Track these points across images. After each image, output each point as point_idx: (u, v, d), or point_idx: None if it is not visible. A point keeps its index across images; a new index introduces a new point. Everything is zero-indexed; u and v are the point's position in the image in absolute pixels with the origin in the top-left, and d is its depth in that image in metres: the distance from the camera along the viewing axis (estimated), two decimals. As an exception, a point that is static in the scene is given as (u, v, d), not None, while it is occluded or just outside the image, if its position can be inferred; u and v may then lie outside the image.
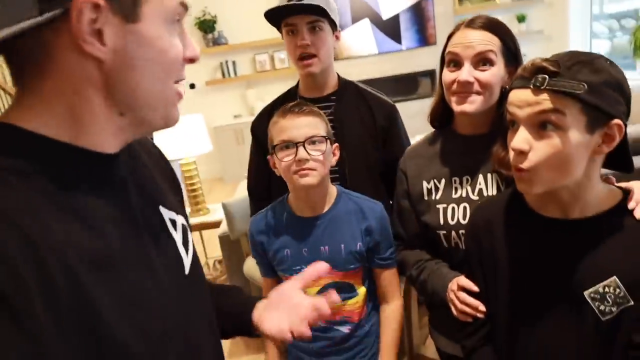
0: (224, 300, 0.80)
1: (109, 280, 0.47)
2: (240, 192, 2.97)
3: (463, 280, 0.96)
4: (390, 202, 1.30)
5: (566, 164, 0.74)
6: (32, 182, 0.44)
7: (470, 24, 1.03)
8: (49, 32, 0.45)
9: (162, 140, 2.52)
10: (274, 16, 1.30)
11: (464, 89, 1.01)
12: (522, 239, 0.86)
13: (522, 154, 0.76)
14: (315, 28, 1.28)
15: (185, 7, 0.53)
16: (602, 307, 0.77)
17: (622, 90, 0.75)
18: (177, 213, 0.64)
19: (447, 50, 1.05)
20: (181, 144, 2.66)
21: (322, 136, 1.09)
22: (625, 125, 0.75)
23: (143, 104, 0.52)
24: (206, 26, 5.15)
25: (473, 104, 1.01)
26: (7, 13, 0.44)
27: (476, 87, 1.00)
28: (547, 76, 0.72)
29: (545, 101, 0.72)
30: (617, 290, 0.76)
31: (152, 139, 0.66)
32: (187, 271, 0.61)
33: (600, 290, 0.77)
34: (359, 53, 5.03)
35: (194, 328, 0.60)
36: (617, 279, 0.76)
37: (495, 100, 1.04)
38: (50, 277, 0.41)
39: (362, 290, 1.17)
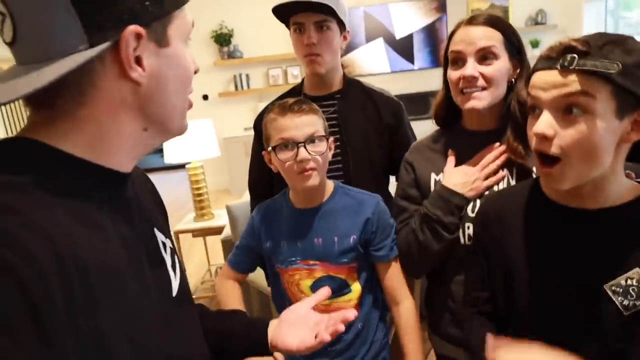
0: (231, 323, 0.82)
1: (116, 292, 0.48)
2: (246, 198, 2.98)
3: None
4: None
5: (594, 152, 0.68)
6: (56, 196, 0.46)
7: (471, 21, 1.04)
8: (97, 62, 0.48)
9: (171, 143, 2.53)
10: (282, 13, 1.30)
11: (470, 85, 1.01)
12: (538, 229, 0.81)
13: (545, 139, 0.70)
14: (322, 27, 1.27)
15: (192, 25, 0.58)
16: (625, 302, 0.71)
17: None
18: (166, 236, 0.66)
19: (449, 50, 1.06)
20: (189, 148, 2.67)
21: (321, 135, 1.08)
22: None
23: (167, 118, 0.56)
24: (222, 39, 5.23)
25: (481, 100, 1.01)
26: (55, 46, 0.46)
27: (481, 82, 1.01)
28: (576, 56, 0.66)
29: (573, 83, 0.66)
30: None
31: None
32: (174, 293, 0.62)
33: (623, 283, 0.71)
34: (372, 71, 5.08)
35: (178, 349, 0.61)
36: (639, 271, 0.71)
37: (502, 94, 1.04)
38: (72, 291, 0.42)
39: (355, 287, 1.14)
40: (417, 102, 5.37)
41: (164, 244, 0.64)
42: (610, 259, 0.73)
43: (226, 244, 2.38)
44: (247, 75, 5.38)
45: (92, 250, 0.46)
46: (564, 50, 0.68)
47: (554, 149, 0.70)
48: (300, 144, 1.04)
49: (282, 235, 1.15)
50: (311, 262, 1.12)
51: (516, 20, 5.24)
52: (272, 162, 1.12)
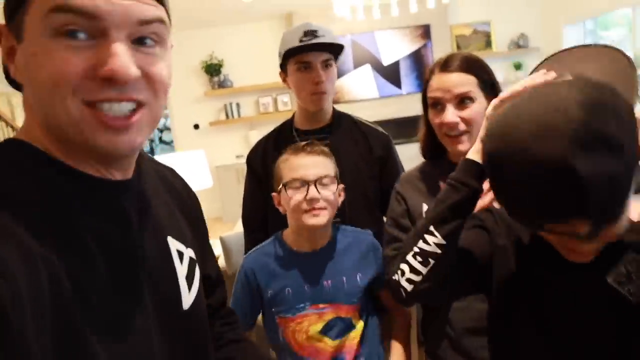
0: (242, 356, 0.78)
1: (92, 305, 0.46)
2: (239, 229, 2.97)
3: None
4: None
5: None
6: (37, 205, 0.44)
7: (445, 67, 1.07)
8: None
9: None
10: (291, 53, 1.33)
11: (452, 130, 1.05)
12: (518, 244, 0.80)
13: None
14: (327, 65, 1.32)
15: (71, 11, 0.44)
16: (632, 289, 0.68)
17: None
18: (187, 246, 0.63)
19: (427, 95, 1.10)
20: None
21: (332, 177, 1.10)
22: None
23: (56, 126, 0.47)
24: (212, 69, 5.31)
25: (464, 143, 1.05)
26: None
27: (462, 126, 1.04)
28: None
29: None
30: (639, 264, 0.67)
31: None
32: (185, 307, 0.59)
33: (623, 271, 0.69)
34: (361, 97, 5.16)
35: None
36: (634, 254, 0.68)
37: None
38: (41, 293, 0.40)
39: (359, 325, 1.14)
40: (406, 126, 5.43)
41: (180, 253, 0.61)
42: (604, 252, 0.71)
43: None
44: (238, 104, 5.44)
45: (65, 259, 0.44)
46: None
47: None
48: (311, 183, 1.06)
49: (285, 282, 1.12)
50: (321, 305, 1.11)
51: (499, 44, 5.39)
52: (280, 203, 1.12)
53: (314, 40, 1.27)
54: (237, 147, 5.57)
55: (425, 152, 1.20)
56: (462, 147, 1.05)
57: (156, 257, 0.57)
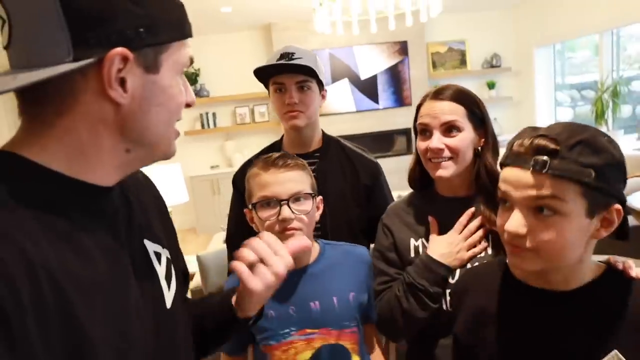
0: (199, 303, 0.80)
1: (96, 304, 0.48)
2: (215, 244, 2.89)
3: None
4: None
5: (565, 248, 0.69)
6: (30, 209, 0.46)
7: (437, 95, 1.09)
8: (79, 76, 0.49)
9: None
10: (262, 74, 1.33)
11: (437, 155, 1.06)
12: (512, 310, 0.80)
13: (518, 236, 0.70)
14: (303, 87, 1.31)
15: (192, 61, 0.60)
16: None
17: (623, 170, 0.70)
18: (163, 247, 0.65)
19: (417, 122, 1.11)
20: (156, 192, 2.62)
21: (307, 193, 1.01)
22: (625, 202, 0.71)
23: (149, 142, 0.56)
24: (189, 79, 5.23)
25: (447, 169, 1.06)
26: (41, 54, 0.48)
27: (447, 152, 1.06)
28: (547, 158, 0.66)
29: (544, 186, 0.66)
30: None
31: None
32: (169, 305, 0.62)
33: None
34: (338, 110, 5.19)
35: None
36: (618, 353, 0.69)
37: (468, 163, 1.08)
38: (43, 301, 0.43)
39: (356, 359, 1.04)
40: (382, 140, 5.49)
41: (157, 254, 0.63)
42: (594, 338, 0.72)
43: (195, 294, 2.27)
44: (214, 114, 5.39)
45: (65, 263, 0.46)
46: (535, 150, 0.68)
47: (528, 244, 0.70)
48: (283, 202, 0.97)
49: (267, 305, 0.97)
50: (308, 331, 1.00)
51: (473, 63, 5.53)
52: (253, 220, 1.04)
53: (288, 62, 1.28)
54: (212, 157, 5.50)
55: (413, 182, 1.20)
56: (444, 172, 1.06)
57: (138, 258, 0.59)
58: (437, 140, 1.05)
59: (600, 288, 0.74)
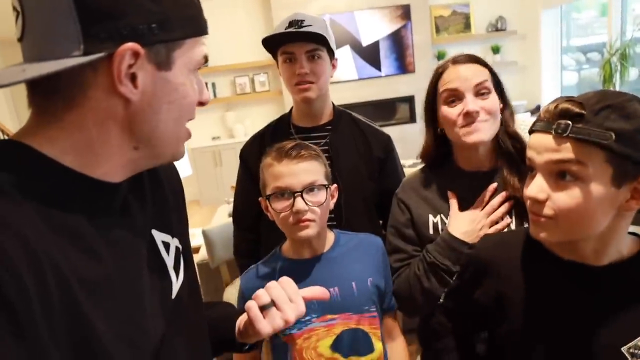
0: (209, 314, 0.80)
1: (103, 301, 0.48)
2: (220, 218, 2.90)
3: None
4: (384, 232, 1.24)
5: (586, 218, 0.67)
6: (37, 203, 0.46)
7: (457, 61, 1.05)
8: (90, 69, 0.48)
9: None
10: (271, 43, 1.27)
11: (473, 119, 1.01)
12: (540, 284, 0.78)
13: (538, 202, 0.69)
14: (314, 56, 1.26)
15: (206, 59, 0.57)
16: None
17: None
18: (173, 236, 0.65)
19: (442, 89, 1.05)
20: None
21: (321, 184, 1.00)
22: None
23: (158, 141, 0.55)
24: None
25: (484, 131, 1.01)
26: (52, 47, 0.48)
27: (482, 115, 1.01)
28: (570, 122, 0.65)
29: (566, 149, 0.65)
30: None
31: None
32: (174, 295, 0.62)
33: (639, 344, 0.69)
34: (340, 78, 5.10)
35: (176, 352, 0.61)
36: None
37: (498, 128, 1.05)
38: (47, 290, 0.42)
39: (379, 347, 1.04)
40: (385, 108, 5.42)
41: (166, 244, 0.63)
42: (623, 320, 0.70)
43: (202, 268, 2.29)
44: (214, 84, 5.30)
45: (69, 258, 0.46)
46: (559, 114, 0.67)
47: (547, 211, 0.69)
48: (297, 194, 0.96)
49: None
50: (329, 317, 1.00)
51: (477, 27, 5.38)
52: (268, 210, 1.04)
53: (298, 30, 1.22)
54: (213, 128, 5.45)
55: (429, 161, 1.16)
56: (482, 135, 1.01)
57: (147, 248, 0.59)
58: (473, 102, 1.01)
59: (635, 264, 0.72)
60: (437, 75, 1.08)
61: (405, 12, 5.10)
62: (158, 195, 0.65)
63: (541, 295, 0.78)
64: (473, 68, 1.03)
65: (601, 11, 4.63)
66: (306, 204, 0.97)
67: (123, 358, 0.49)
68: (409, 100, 5.31)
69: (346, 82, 5.14)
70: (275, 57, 1.32)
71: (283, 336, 1.02)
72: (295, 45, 1.25)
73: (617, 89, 4.22)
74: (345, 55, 5.08)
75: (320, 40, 1.23)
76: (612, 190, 0.66)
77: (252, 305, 0.69)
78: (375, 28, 5.10)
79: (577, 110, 0.65)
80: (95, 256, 0.49)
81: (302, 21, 1.24)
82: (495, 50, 5.37)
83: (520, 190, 1.00)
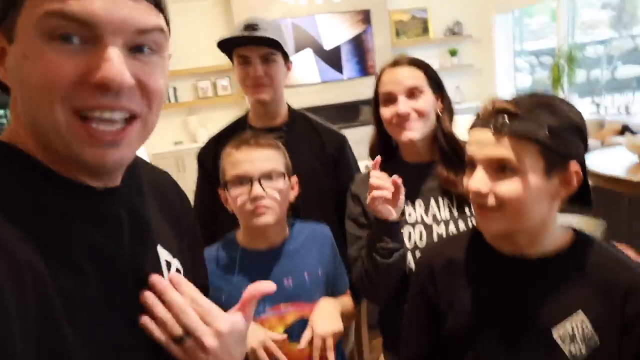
0: None
1: (80, 321, 0.44)
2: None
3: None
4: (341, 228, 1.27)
5: (525, 208, 0.73)
6: (20, 209, 0.42)
7: (396, 63, 1.12)
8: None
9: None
10: (226, 45, 1.30)
11: (404, 120, 1.08)
12: (483, 276, 0.84)
13: (480, 194, 0.74)
14: (268, 60, 1.28)
15: (67, 18, 0.43)
16: (572, 349, 0.73)
17: (581, 133, 0.74)
18: (174, 256, 0.61)
19: (380, 91, 1.13)
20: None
21: (280, 172, 1.02)
22: (584, 164, 0.76)
23: (43, 133, 0.45)
24: (146, 51, 5.02)
25: (415, 130, 1.09)
26: None
27: (414, 115, 1.08)
28: (507, 119, 0.71)
29: (504, 144, 0.71)
30: (584, 327, 0.73)
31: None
32: None
33: (569, 328, 0.74)
34: (302, 81, 5.11)
35: None
36: (582, 313, 0.73)
37: (433, 126, 1.12)
38: (24, 296, 0.39)
39: None
40: (348, 111, 5.48)
41: (168, 263, 0.58)
42: (554, 307, 0.75)
43: None
44: (175, 89, 5.21)
45: (52, 273, 0.42)
46: (496, 112, 0.73)
47: (490, 201, 0.74)
48: (254, 180, 0.97)
49: (240, 282, 1.01)
50: (282, 306, 1.03)
51: (435, 31, 5.54)
52: (227, 202, 1.04)
53: (252, 34, 1.24)
54: (175, 133, 5.34)
55: (374, 152, 1.21)
56: (413, 134, 1.09)
57: (148, 266, 0.54)
58: (404, 104, 1.08)
59: (567, 255, 0.78)
60: (378, 78, 1.15)
61: (366, 17, 5.19)
62: (162, 213, 0.61)
63: (482, 288, 0.83)
64: (408, 71, 1.10)
65: (552, 17, 4.87)
66: (264, 190, 0.97)
67: None
68: (371, 102, 5.38)
69: (309, 85, 5.16)
70: (231, 58, 1.35)
71: None
72: (249, 48, 1.27)
73: (565, 90, 4.46)
74: (307, 59, 5.11)
75: (273, 44, 1.26)
76: (544, 181, 0.73)
77: (163, 340, 0.53)
78: (336, 32, 5.15)
79: (511, 109, 0.72)
80: (79, 274, 0.45)
81: (256, 25, 1.26)
82: (453, 53, 5.54)
83: (455, 184, 1.07)
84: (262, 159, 1.00)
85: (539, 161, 0.72)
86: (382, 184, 1.00)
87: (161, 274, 0.57)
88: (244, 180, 0.99)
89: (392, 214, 1.02)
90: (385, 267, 1.04)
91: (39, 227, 0.43)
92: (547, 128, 0.70)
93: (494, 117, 0.73)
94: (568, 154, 0.73)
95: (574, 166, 0.74)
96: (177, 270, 0.61)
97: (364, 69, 5.29)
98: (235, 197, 0.99)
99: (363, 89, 5.29)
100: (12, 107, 0.47)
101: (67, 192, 0.47)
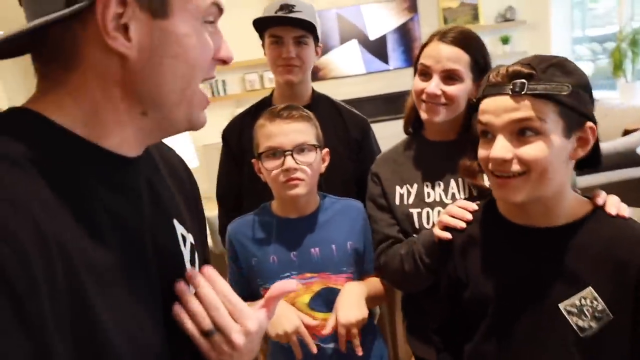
0: None
1: (108, 291, 0.44)
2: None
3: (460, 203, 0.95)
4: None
5: (549, 170, 0.71)
6: (47, 175, 0.42)
7: (443, 37, 1.06)
8: (78, 24, 0.44)
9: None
10: (259, 24, 1.32)
11: (431, 100, 1.05)
12: (497, 248, 0.84)
13: (504, 162, 0.72)
14: (301, 42, 1.29)
15: (219, 8, 0.51)
16: (580, 323, 0.73)
17: (590, 91, 0.74)
18: (188, 231, 0.62)
19: (419, 61, 1.09)
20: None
21: (311, 144, 1.04)
22: (595, 122, 0.74)
23: (166, 103, 0.49)
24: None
25: (439, 114, 1.06)
26: (39, 5, 0.44)
27: (443, 99, 1.04)
28: (525, 81, 0.70)
29: (525, 107, 0.70)
30: (595, 302, 0.72)
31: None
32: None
33: (577, 302, 0.73)
34: (347, 73, 5.10)
35: (185, 348, 0.56)
36: (592, 290, 0.72)
37: (461, 111, 1.08)
38: (54, 272, 0.39)
39: None
40: (394, 102, 5.39)
41: (183, 237, 0.59)
42: (564, 278, 0.75)
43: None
44: (224, 81, 5.36)
45: (79, 242, 0.42)
46: (512, 76, 0.71)
47: (515, 167, 0.72)
48: (287, 153, 1.00)
49: (270, 249, 1.07)
50: (308, 275, 1.06)
51: (486, 17, 5.33)
52: (260, 171, 1.08)
53: (288, 15, 1.25)
54: (223, 125, 5.46)
55: (407, 124, 1.19)
56: (435, 117, 1.06)
57: (165, 238, 0.56)
58: (435, 85, 1.04)
59: (578, 226, 0.77)
60: (423, 45, 1.11)
61: (412, 5, 5.08)
62: (175, 188, 0.63)
63: (496, 260, 0.83)
64: (452, 52, 1.03)
65: (618, 1, 4.55)
66: (296, 162, 1.00)
67: (126, 354, 0.45)
68: (418, 93, 5.29)
69: (354, 76, 5.14)
70: (262, 37, 1.36)
71: (263, 289, 1.07)
72: (283, 28, 1.28)
73: (629, 75, 4.16)
74: (352, 50, 5.08)
75: (308, 27, 1.26)
76: (564, 141, 0.72)
77: (193, 332, 0.55)
78: (382, 21, 5.09)
79: (527, 70, 0.71)
80: (104, 243, 0.45)
81: (293, 6, 1.27)
82: (505, 40, 5.31)
83: (475, 175, 1.00)
84: (294, 132, 1.02)
85: (559, 121, 0.71)
86: (462, 216, 0.95)
87: (178, 247, 0.58)
88: (277, 152, 1.02)
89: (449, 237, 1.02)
90: (425, 275, 1.04)
91: (67, 194, 0.43)
92: (570, 87, 0.69)
93: (510, 81, 0.72)
94: (585, 112, 0.72)
95: (590, 125, 0.73)
96: (191, 244, 0.62)
97: (410, 59, 5.19)
98: (269, 169, 1.03)
99: (410, 79, 5.15)
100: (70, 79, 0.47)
101: (95, 158, 0.47)
